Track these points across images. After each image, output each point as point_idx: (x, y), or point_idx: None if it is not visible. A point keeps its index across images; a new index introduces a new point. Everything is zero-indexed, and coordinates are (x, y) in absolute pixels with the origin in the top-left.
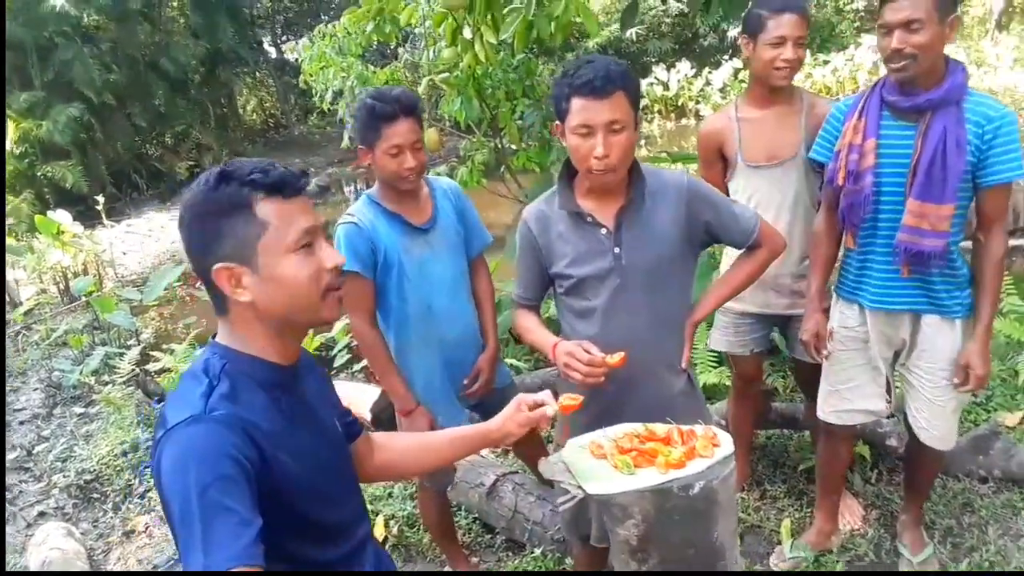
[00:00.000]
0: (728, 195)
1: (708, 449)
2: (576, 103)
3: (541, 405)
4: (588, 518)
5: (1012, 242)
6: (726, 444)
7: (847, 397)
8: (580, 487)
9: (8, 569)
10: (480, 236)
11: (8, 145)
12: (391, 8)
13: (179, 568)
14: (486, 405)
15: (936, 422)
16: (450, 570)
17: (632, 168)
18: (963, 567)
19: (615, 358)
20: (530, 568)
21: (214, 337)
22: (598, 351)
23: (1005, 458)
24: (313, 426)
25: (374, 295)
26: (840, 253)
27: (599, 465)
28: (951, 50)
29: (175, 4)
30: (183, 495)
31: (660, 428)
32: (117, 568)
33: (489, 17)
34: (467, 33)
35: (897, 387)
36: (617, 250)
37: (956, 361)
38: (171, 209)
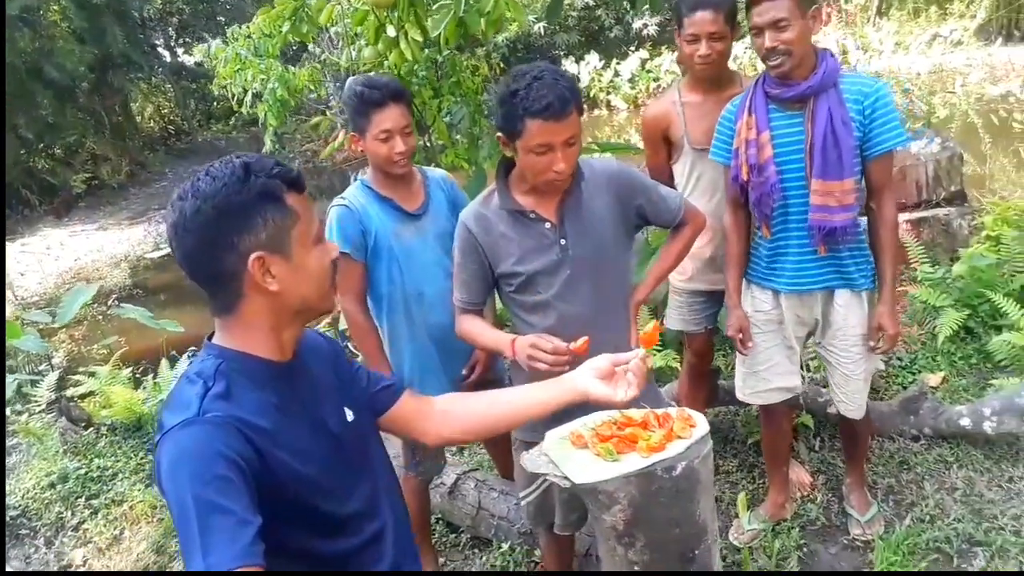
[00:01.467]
0: (673, 178)
1: (686, 430)
2: (534, 125)
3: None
4: (552, 507)
5: (918, 214)
6: (702, 424)
7: (765, 377)
8: (566, 477)
9: None
10: None
11: None
12: (316, 6)
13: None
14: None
15: (854, 395)
16: (464, 570)
17: None
18: (907, 522)
19: (578, 344)
20: (499, 563)
21: (209, 339)
22: (559, 341)
23: (934, 416)
24: (314, 420)
25: (364, 277)
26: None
27: (581, 455)
28: (840, 36)
29: (56, 8)
30: (180, 498)
31: (636, 413)
32: None
33: (413, 15)
34: (391, 31)
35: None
36: (563, 242)
37: (868, 327)
38: (69, 225)
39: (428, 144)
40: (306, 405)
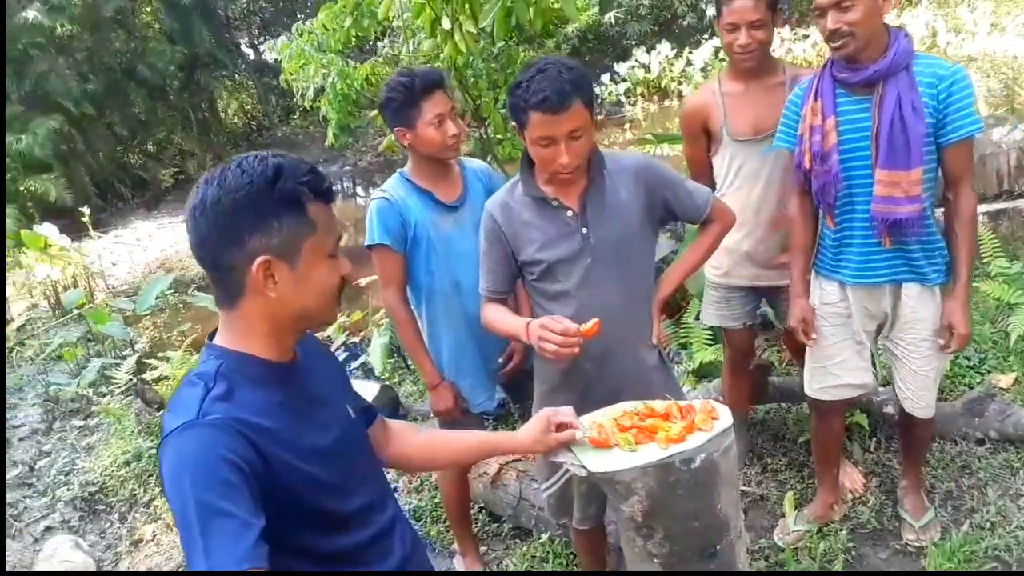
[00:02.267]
0: (712, 170)
1: (707, 423)
2: (535, 117)
3: (569, 427)
4: (570, 503)
5: (997, 205)
6: (725, 416)
7: (834, 372)
8: (583, 466)
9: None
10: None
11: None
12: (368, 2)
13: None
14: (516, 384)
15: (921, 392)
16: (466, 570)
17: (590, 151)
18: (964, 528)
19: (588, 326)
20: (538, 554)
21: (211, 338)
22: (571, 323)
23: (1000, 419)
24: (317, 418)
25: (404, 268)
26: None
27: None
28: (929, 18)
29: (148, 9)
30: (182, 501)
31: (659, 404)
32: None
33: (467, 6)
34: (446, 23)
35: (882, 358)
36: (585, 230)
37: (939, 323)
38: (157, 218)
39: (484, 136)
40: (309, 403)
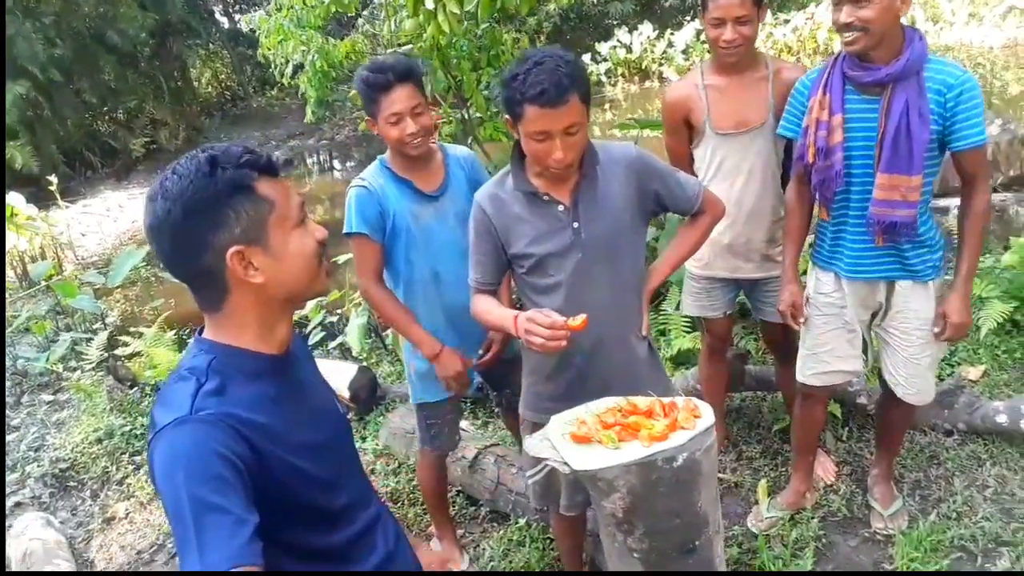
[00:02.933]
0: (693, 162)
1: (690, 421)
2: (531, 111)
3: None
4: (557, 489)
5: None
6: (707, 415)
7: (825, 359)
8: (566, 463)
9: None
10: None
11: None
12: None
13: (165, 557)
14: (493, 373)
15: (914, 379)
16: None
17: None
18: (931, 518)
19: (576, 321)
20: (515, 538)
21: (200, 333)
22: (559, 316)
23: (969, 411)
24: (309, 413)
25: (382, 257)
26: (814, 222)
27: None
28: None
29: None
30: (175, 498)
31: (642, 401)
32: (99, 555)
33: None
34: (429, 3)
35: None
36: (576, 225)
37: (935, 313)
38: (128, 187)
39: (466, 116)
40: (301, 398)
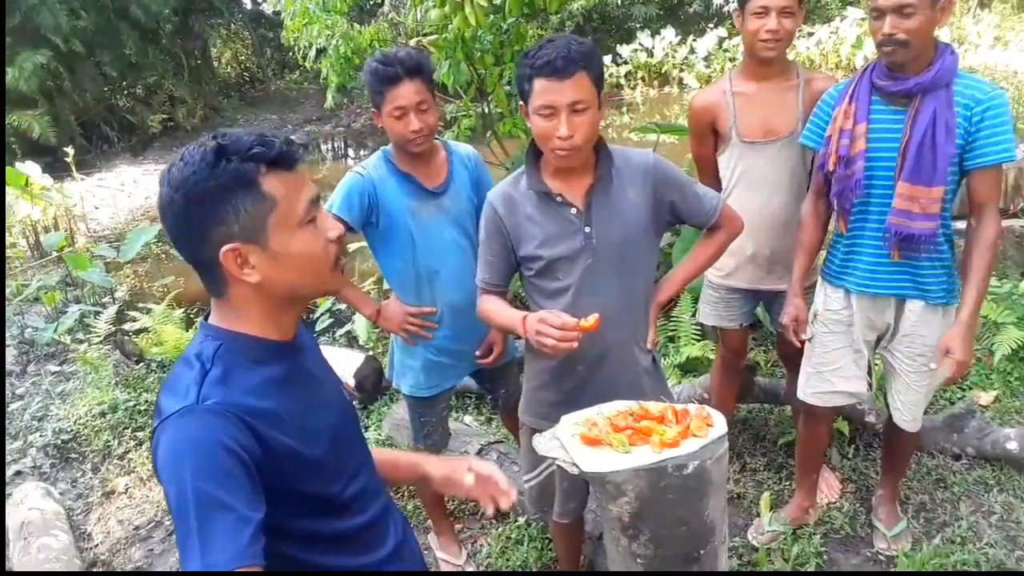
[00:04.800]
0: (718, 169)
1: (702, 429)
2: (538, 84)
3: (488, 479)
4: (552, 495)
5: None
6: (720, 424)
7: (829, 379)
8: (575, 463)
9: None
10: None
11: None
12: None
13: (162, 533)
14: (487, 374)
15: (911, 406)
16: (445, 555)
17: (599, 147)
18: (935, 541)
19: (589, 321)
20: (514, 536)
21: (206, 318)
22: (570, 317)
23: (979, 436)
24: (316, 400)
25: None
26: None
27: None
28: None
29: None
30: (178, 490)
31: (654, 406)
32: (97, 528)
33: None
34: None
35: (877, 365)
36: (588, 229)
37: (939, 347)
38: (143, 163)
39: (487, 111)
40: (308, 385)
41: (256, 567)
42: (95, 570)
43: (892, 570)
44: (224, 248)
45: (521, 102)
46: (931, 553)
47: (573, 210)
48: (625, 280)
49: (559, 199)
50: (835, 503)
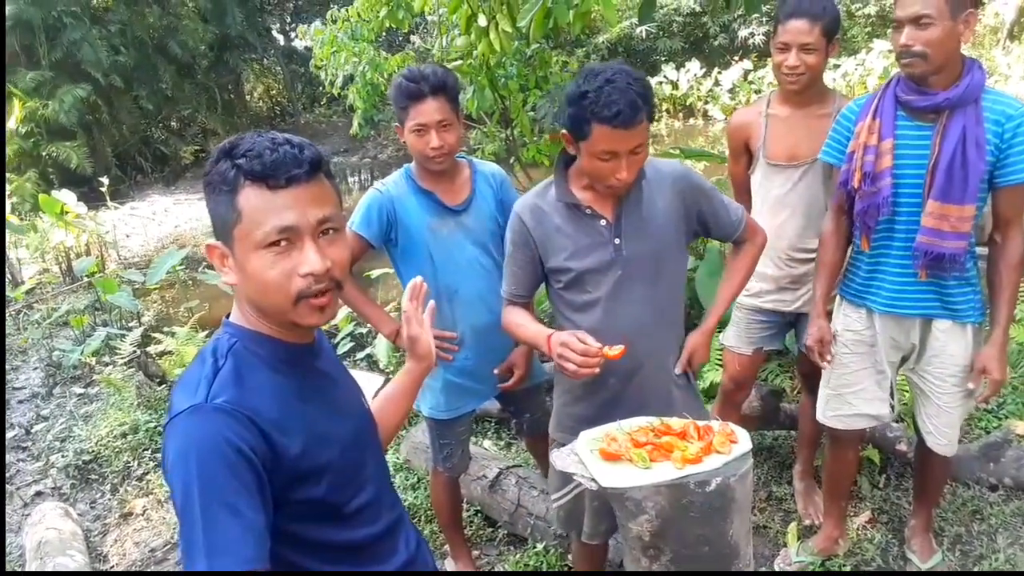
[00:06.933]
0: (750, 190)
1: (725, 445)
2: (600, 131)
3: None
4: (581, 515)
5: None
6: (744, 440)
7: (850, 401)
8: (593, 479)
9: (6, 549)
10: None
11: (12, 124)
12: None
13: (177, 555)
14: (514, 397)
15: (945, 429)
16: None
17: None
18: None
19: (615, 351)
20: (531, 563)
21: (228, 316)
22: (594, 341)
23: (1017, 467)
24: (332, 406)
25: (359, 254)
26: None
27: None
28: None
29: None
30: (185, 491)
31: (676, 422)
32: (113, 549)
33: (505, 5)
34: (482, 21)
35: (906, 391)
36: (618, 241)
37: (972, 366)
38: (175, 193)
39: (510, 138)
40: (324, 390)
41: (260, 572)
42: (97, 570)
43: (926, 569)
44: (208, 242)
45: (563, 131)
46: None
47: (603, 222)
48: (655, 292)
49: (588, 211)
50: (866, 535)
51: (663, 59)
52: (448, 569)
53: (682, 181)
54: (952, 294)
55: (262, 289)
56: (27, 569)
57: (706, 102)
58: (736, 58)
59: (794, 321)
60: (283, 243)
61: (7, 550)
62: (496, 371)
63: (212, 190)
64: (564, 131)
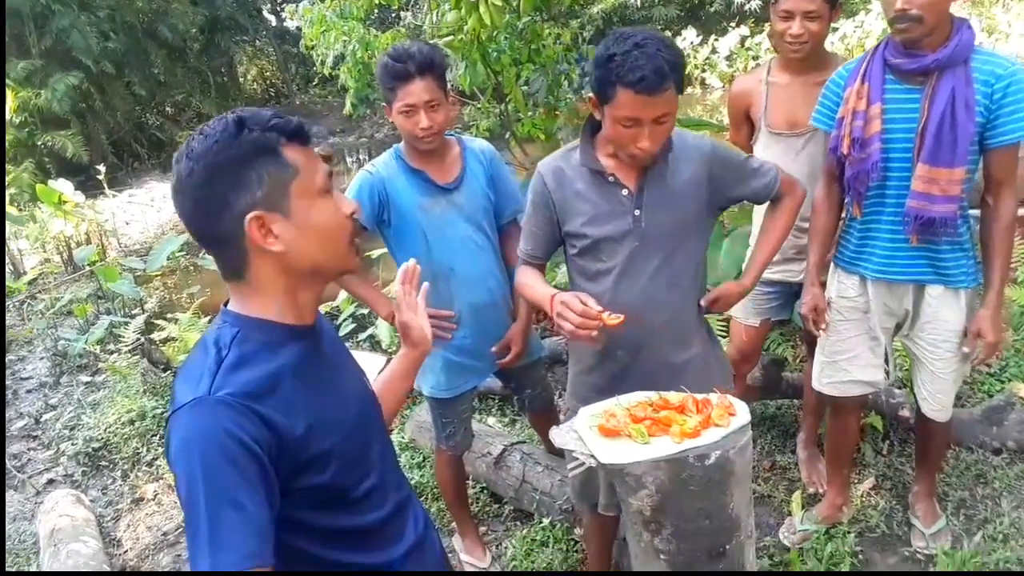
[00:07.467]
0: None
1: (724, 418)
2: (625, 95)
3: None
4: (596, 486)
5: None
6: (742, 413)
7: (844, 368)
8: (592, 455)
9: (17, 538)
10: (513, 202)
11: (7, 114)
12: None
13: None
14: (512, 374)
15: (939, 395)
16: (467, 556)
17: None
18: (976, 539)
19: (613, 319)
20: (538, 538)
21: (226, 305)
22: (595, 304)
23: (1020, 429)
24: (335, 388)
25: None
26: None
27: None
28: (964, 16)
29: None
30: (190, 485)
31: (674, 397)
32: (127, 534)
33: None
34: None
35: (908, 357)
36: (638, 212)
37: (967, 329)
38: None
39: (504, 113)
40: (326, 372)
41: (266, 567)
42: (96, 570)
43: (932, 570)
44: (249, 216)
45: (589, 95)
46: (972, 551)
47: (625, 191)
48: (672, 266)
49: (612, 179)
50: (870, 501)
51: (659, 28)
52: (455, 545)
53: (710, 157)
54: (944, 259)
55: (329, 235)
56: (42, 555)
57: (703, 70)
58: (733, 24)
59: (800, 291)
60: (328, 191)
61: (21, 537)
62: (494, 349)
63: (245, 160)
64: (591, 94)
